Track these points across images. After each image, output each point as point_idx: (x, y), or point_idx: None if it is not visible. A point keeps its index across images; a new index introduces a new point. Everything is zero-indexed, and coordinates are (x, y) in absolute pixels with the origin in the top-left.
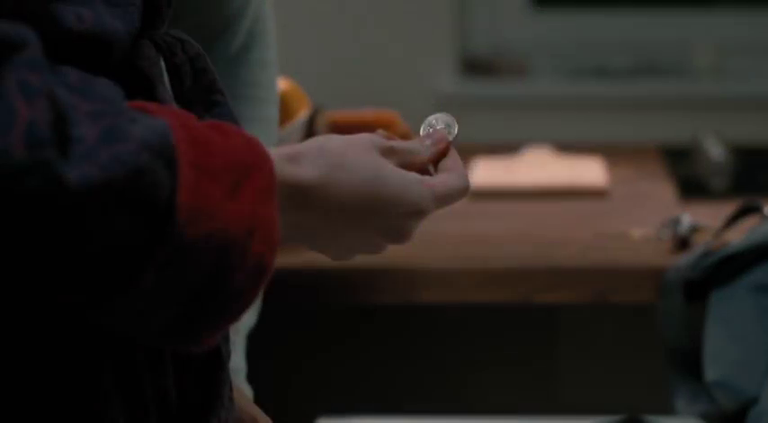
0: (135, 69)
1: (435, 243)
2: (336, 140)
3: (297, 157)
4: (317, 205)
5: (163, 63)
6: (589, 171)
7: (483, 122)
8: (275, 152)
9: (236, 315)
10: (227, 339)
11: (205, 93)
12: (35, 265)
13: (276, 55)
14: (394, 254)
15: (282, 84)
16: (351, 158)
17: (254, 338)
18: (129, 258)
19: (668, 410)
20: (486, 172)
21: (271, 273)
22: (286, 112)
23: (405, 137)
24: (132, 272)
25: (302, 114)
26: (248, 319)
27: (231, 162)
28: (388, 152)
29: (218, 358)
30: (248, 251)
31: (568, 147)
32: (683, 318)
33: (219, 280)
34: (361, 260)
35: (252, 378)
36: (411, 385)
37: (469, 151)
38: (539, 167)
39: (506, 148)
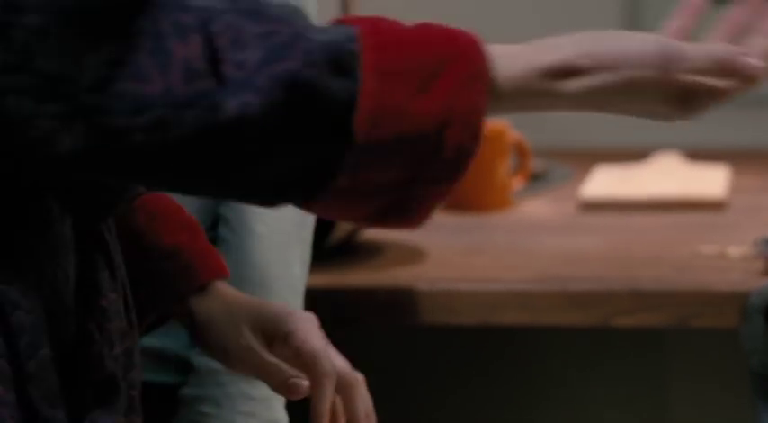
0: None
1: (520, 262)
2: None
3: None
4: (586, 56)
5: None
6: (709, 181)
7: (644, 123)
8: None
9: (444, 193)
10: (130, 368)
11: None
12: (222, 186)
13: None
14: (474, 275)
15: None
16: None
17: None
18: (315, 167)
19: None
20: (602, 182)
21: (472, 159)
22: None
23: (518, 147)
24: (322, 178)
25: None
26: None
27: (423, 59)
28: None
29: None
30: (443, 144)
31: (714, 151)
32: (766, 343)
33: (415, 173)
34: (440, 280)
35: None
36: (488, 409)
37: (599, 157)
38: (661, 177)
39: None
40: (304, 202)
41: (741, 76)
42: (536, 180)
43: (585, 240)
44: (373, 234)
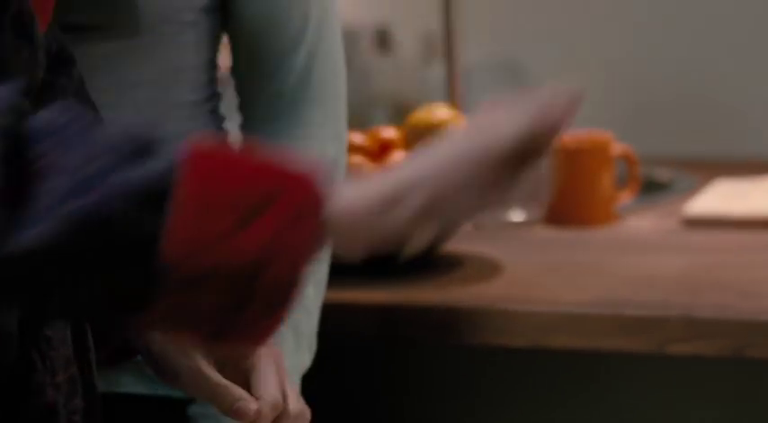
0: None
1: (590, 283)
2: None
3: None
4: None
5: None
6: None
7: None
8: None
9: (274, 319)
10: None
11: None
12: (35, 308)
13: (341, 89)
14: (537, 295)
15: (444, 112)
16: None
17: (379, 377)
18: (129, 293)
19: None
20: (712, 197)
21: (294, 292)
22: None
23: (625, 158)
24: (139, 302)
25: None
26: (301, 359)
27: (247, 193)
28: None
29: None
30: (260, 281)
31: None
32: None
33: (237, 302)
34: (501, 299)
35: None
36: None
37: (725, 169)
38: None
39: None
40: (132, 319)
41: None
42: (658, 190)
43: (671, 260)
44: (453, 247)
